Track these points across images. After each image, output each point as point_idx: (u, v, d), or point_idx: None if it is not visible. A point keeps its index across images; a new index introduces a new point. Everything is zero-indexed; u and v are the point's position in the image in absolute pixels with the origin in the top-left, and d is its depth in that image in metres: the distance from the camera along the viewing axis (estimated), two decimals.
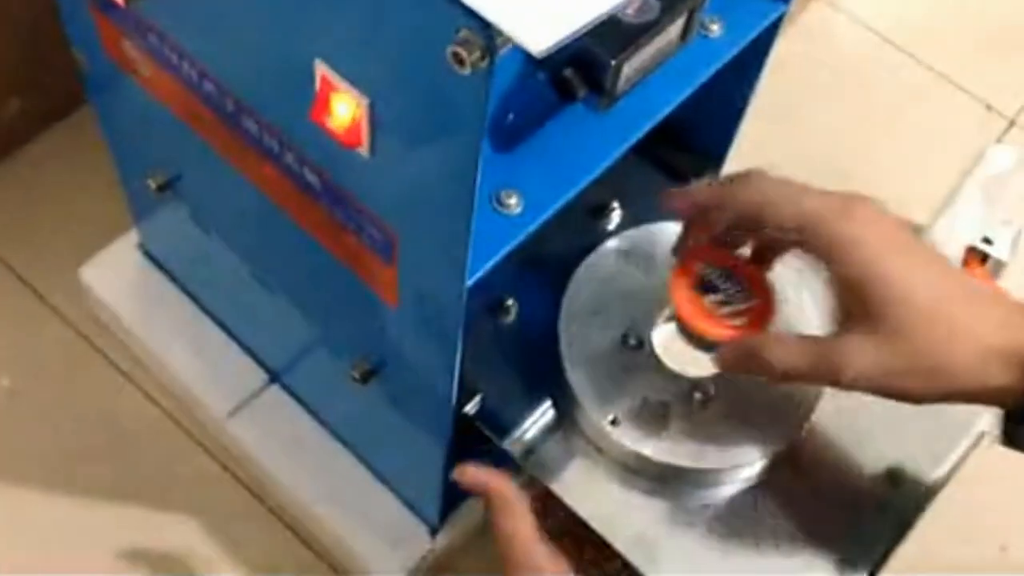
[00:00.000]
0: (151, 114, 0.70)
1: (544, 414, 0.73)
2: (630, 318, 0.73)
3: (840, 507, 0.70)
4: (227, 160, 0.66)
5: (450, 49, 0.42)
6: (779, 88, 1.17)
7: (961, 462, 0.74)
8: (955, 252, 1.00)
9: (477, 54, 0.41)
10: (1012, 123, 1.21)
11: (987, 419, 0.76)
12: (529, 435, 0.72)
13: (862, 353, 0.52)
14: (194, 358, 0.92)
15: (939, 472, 0.72)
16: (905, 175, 1.11)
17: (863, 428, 0.73)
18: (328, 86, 0.51)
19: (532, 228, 0.59)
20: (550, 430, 0.72)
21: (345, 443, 0.88)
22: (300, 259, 0.68)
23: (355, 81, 0.50)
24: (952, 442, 0.73)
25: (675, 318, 0.66)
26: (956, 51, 1.26)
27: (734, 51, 0.66)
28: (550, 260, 0.76)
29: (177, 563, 0.89)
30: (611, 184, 0.77)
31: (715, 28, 0.66)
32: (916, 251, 0.55)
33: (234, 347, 0.92)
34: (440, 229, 0.54)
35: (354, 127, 0.52)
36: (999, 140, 1.18)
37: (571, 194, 0.60)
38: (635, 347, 0.72)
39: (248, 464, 0.91)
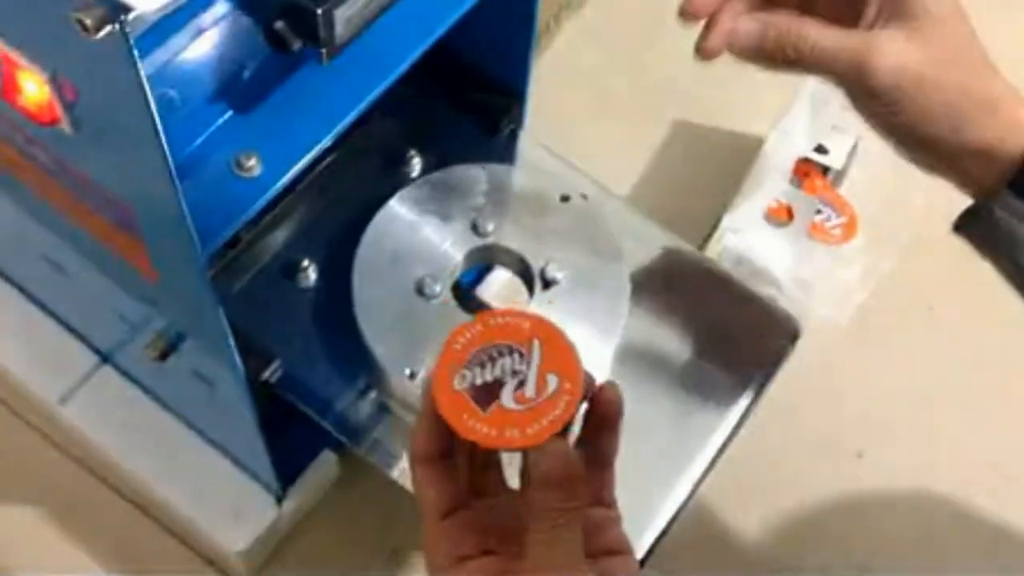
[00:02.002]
0: None
1: (354, 376, 0.72)
2: (426, 266, 0.72)
3: None
4: None
5: (73, 16, 0.39)
6: (626, 14, 1.17)
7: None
8: (789, 163, 0.99)
9: (100, 19, 0.39)
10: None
11: None
12: (338, 398, 0.71)
13: (897, 48, 0.51)
14: (23, 345, 0.90)
15: None
16: (741, 89, 1.09)
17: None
18: (11, 64, 0.49)
19: (273, 190, 0.57)
20: (359, 392, 0.72)
21: (180, 418, 0.86)
22: (69, 240, 0.66)
23: (31, 57, 0.47)
24: None
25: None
26: None
27: None
28: (350, 216, 0.75)
29: (26, 554, 0.87)
30: (410, 129, 0.76)
31: None
32: None
33: (63, 331, 0.90)
34: (160, 200, 0.52)
35: (47, 105, 0.50)
36: None
37: (313, 152, 0.58)
38: (431, 296, 0.71)
39: (88, 448, 0.89)
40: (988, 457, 0.94)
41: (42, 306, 0.89)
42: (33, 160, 0.59)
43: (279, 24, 0.53)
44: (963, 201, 0.57)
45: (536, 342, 0.46)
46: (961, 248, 0.58)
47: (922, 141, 0.54)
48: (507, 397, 0.45)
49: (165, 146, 0.46)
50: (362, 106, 0.59)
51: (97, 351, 0.88)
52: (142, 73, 0.42)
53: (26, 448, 0.90)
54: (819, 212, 1.00)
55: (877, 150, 1.01)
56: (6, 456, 0.90)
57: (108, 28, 0.39)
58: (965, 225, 0.56)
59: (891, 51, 0.51)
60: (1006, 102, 0.53)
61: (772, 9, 0.56)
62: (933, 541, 0.92)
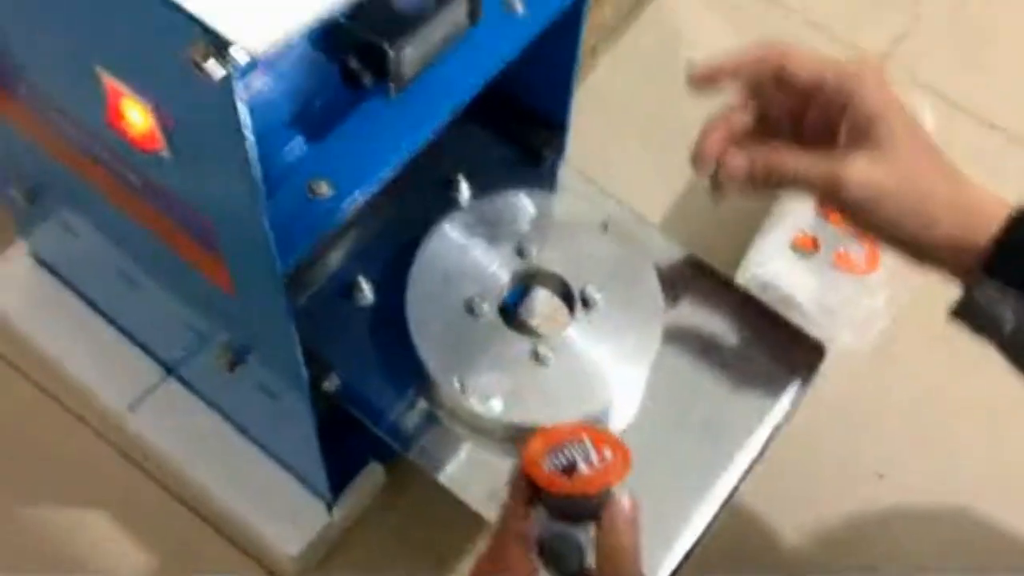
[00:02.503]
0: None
1: (405, 387, 0.77)
2: (474, 286, 0.77)
3: None
4: (68, 167, 0.70)
5: (188, 55, 0.45)
6: (660, 48, 1.23)
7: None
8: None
9: (212, 59, 0.45)
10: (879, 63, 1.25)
11: None
12: (391, 407, 0.77)
13: (863, 166, 0.59)
14: (93, 357, 0.95)
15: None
16: None
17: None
18: (116, 93, 0.55)
19: (343, 214, 0.63)
20: (410, 402, 0.77)
21: (239, 428, 0.92)
22: (149, 255, 0.72)
23: (139, 88, 0.53)
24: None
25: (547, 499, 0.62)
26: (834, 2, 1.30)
27: (537, 28, 0.70)
28: (403, 237, 0.80)
29: (91, 560, 0.93)
30: (458, 157, 0.82)
31: (518, 6, 0.70)
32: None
33: (129, 344, 0.96)
34: (246, 221, 0.58)
35: (150, 132, 0.56)
36: None
37: (380, 178, 0.64)
38: (479, 314, 0.76)
39: (152, 456, 0.95)
40: (1010, 480, 0.98)
41: (111, 320, 0.95)
42: (124, 181, 0.65)
43: (353, 62, 0.59)
44: None
45: (583, 434, 0.62)
46: None
47: (898, 241, 0.61)
48: (583, 467, 0.60)
49: (257, 173, 0.52)
50: (426, 137, 0.65)
51: (163, 363, 0.94)
52: (243, 108, 0.48)
53: (91, 454, 0.96)
54: (843, 243, 1.05)
55: None
56: (71, 462, 0.96)
57: (215, 65, 0.45)
58: (957, 312, 0.62)
59: (858, 170, 0.59)
60: (968, 198, 0.60)
61: (763, 140, 0.64)
62: (954, 558, 0.96)
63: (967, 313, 0.62)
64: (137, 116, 0.55)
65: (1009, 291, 0.59)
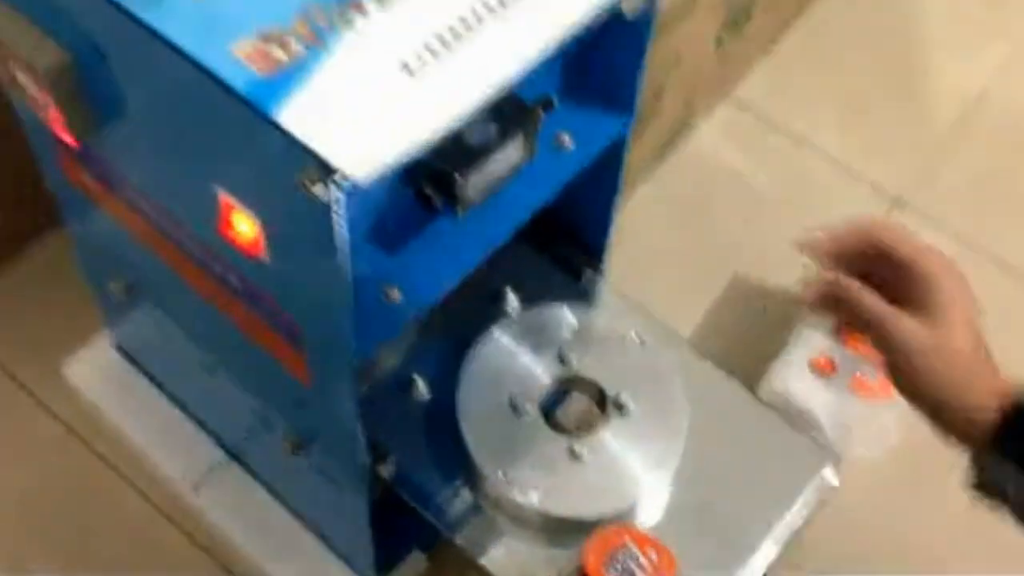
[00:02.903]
0: (109, 230, 0.83)
1: (454, 476, 0.85)
2: (519, 388, 0.86)
3: None
4: (170, 266, 0.80)
5: (299, 179, 0.55)
6: (693, 181, 1.33)
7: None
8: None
9: (320, 182, 0.55)
10: (897, 201, 1.35)
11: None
12: (440, 494, 0.84)
13: (912, 323, 0.68)
14: (161, 439, 1.04)
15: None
16: (793, 253, 1.24)
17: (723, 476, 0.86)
18: (229, 208, 0.64)
19: (411, 317, 0.72)
20: (457, 490, 0.85)
21: (292, 510, 1.00)
22: (235, 348, 0.81)
23: (248, 204, 0.63)
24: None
25: None
26: (853, 141, 1.40)
27: (585, 161, 0.80)
28: (455, 341, 0.89)
29: None
30: (507, 273, 0.91)
31: (567, 142, 0.80)
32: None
33: (197, 429, 1.04)
34: (331, 321, 0.67)
35: (255, 241, 0.65)
36: (887, 216, 1.32)
37: (445, 288, 0.73)
38: (523, 413, 0.84)
39: (211, 533, 1.03)
40: None
41: (183, 406, 1.04)
42: (222, 281, 0.74)
43: (428, 187, 0.69)
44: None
45: (626, 537, 0.75)
46: None
47: (920, 398, 0.68)
48: (638, 573, 0.75)
49: (348, 281, 0.61)
50: (486, 254, 0.74)
51: (226, 447, 1.03)
52: (342, 225, 0.58)
53: (153, 528, 1.04)
54: (859, 367, 1.13)
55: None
56: (135, 535, 1.04)
57: (322, 189, 0.55)
58: (968, 484, 0.69)
59: (908, 327, 0.67)
60: (984, 379, 0.68)
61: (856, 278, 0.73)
62: None
63: (976, 483, 0.69)
64: (245, 227, 0.65)
65: (1009, 464, 0.67)
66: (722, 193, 1.34)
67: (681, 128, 1.33)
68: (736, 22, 1.27)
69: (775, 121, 1.41)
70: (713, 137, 1.38)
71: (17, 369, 1.12)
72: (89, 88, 0.67)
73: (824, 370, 1.12)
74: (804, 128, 1.41)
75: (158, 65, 0.58)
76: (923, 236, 1.19)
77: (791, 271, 1.22)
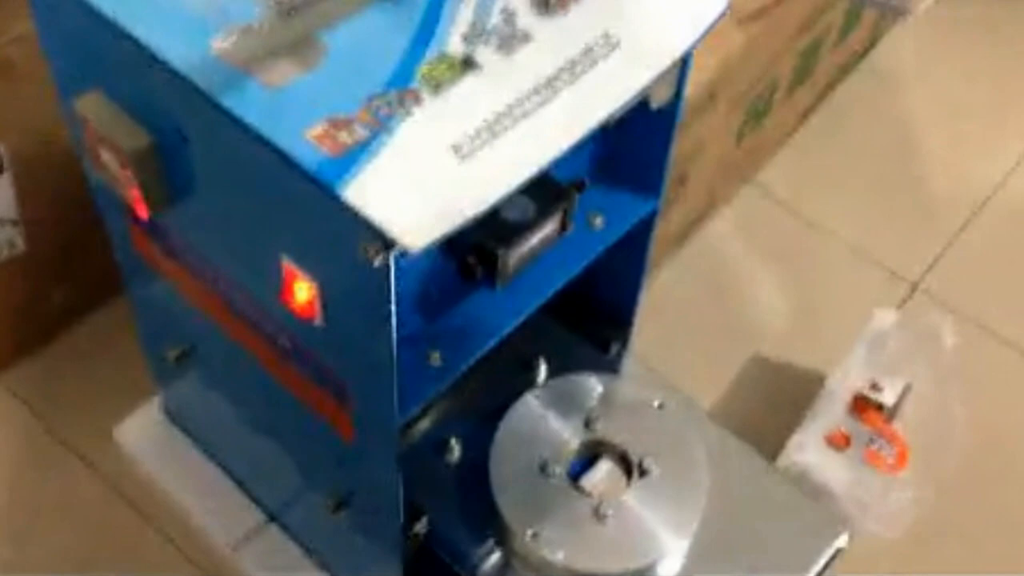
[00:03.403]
0: (170, 298, 0.90)
1: (485, 534, 0.90)
2: (548, 451, 0.91)
3: None
4: (225, 330, 0.86)
5: (360, 248, 0.61)
6: (716, 262, 1.39)
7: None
8: (848, 397, 1.18)
9: (379, 253, 0.61)
10: (915, 287, 1.40)
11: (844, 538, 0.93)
12: (472, 552, 0.89)
13: None
14: (204, 500, 1.10)
15: None
16: (811, 331, 1.31)
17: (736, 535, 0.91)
18: (292, 275, 0.71)
19: (450, 380, 0.78)
20: (489, 547, 0.90)
21: (328, 569, 1.05)
22: (283, 408, 0.87)
23: (309, 271, 0.70)
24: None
25: None
26: (868, 225, 1.46)
27: (613, 240, 0.86)
28: (488, 406, 0.95)
29: None
30: (538, 343, 0.97)
31: (598, 222, 0.86)
32: None
33: (238, 491, 1.10)
34: (377, 381, 0.73)
35: (310, 305, 0.71)
36: (904, 302, 1.38)
37: (481, 353, 0.79)
38: (551, 475, 0.90)
39: None
40: None
41: (226, 469, 1.10)
42: (275, 344, 0.80)
43: (470, 259, 0.75)
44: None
45: None
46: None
47: None
48: None
49: (395, 343, 0.68)
50: (520, 321, 0.80)
51: (266, 509, 1.08)
52: (393, 290, 0.64)
53: None
54: (874, 442, 1.18)
55: (928, 392, 1.21)
56: None
57: (381, 257, 0.61)
58: None
59: None
60: None
61: None
62: None
63: None
64: (303, 292, 0.71)
65: None
66: (744, 274, 1.40)
67: (705, 211, 1.40)
68: (757, 115, 1.34)
69: (794, 206, 1.48)
70: (735, 220, 1.44)
71: (68, 432, 1.18)
72: (168, 167, 0.74)
73: (839, 444, 1.17)
74: (822, 214, 1.47)
75: (236, 146, 0.65)
76: (938, 320, 1.25)
77: (809, 351, 1.28)
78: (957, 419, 1.20)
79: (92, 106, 0.73)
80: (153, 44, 0.66)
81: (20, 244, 1.11)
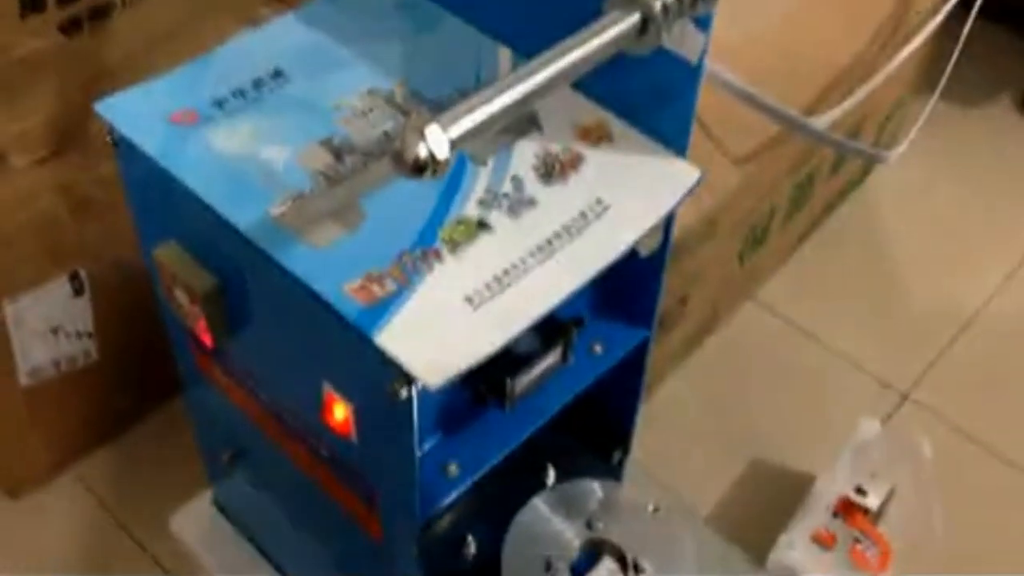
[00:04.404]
0: (225, 409, 1.03)
1: None
2: (553, 550, 1.03)
3: None
4: (272, 439, 0.99)
5: (389, 386, 0.75)
6: (717, 372, 1.51)
7: None
8: (833, 499, 1.29)
9: (404, 388, 0.74)
10: (906, 397, 1.51)
11: None
12: None
13: None
14: None
15: None
16: (803, 436, 1.43)
17: None
18: (331, 398, 0.84)
19: (465, 488, 0.90)
20: None
21: None
22: (320, 506, 0.99)
23: (346, 396, 0.83)
24: None
25: None
26: (863, 338, 1.58)
27: (610, 365, 0.99)
28: (503, 507, 1.07)
29: None
30: (548, 452, 1.09)
31: (598, 349, 0.99)
32: None
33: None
34: (401, 489, 0.85)
35: (346, 423, 0.85)
36: (895, 412, 1.49)
37: (493, 465, 0.92)
38: (555, 572, 1.01)
39: None
40: None
41: (268, 556, 1.22)
42: (315, 453, 0.93)
43: (481, 386, 0.89)
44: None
45: None
46: None
47: None
48: None
49: (417, 458, 0.80)
50: (526, 438, 0.93)
51: None
52: (416, 417, 0.77)
53: None
54: (860, 542, 1.28)
55: (910, 498, 1.31)
56: None
57: (405, 391, 0.74)
58: None
59: None
60: None
61: None
62: None
63: None
64: (340, 413, 0.84)
65: None
66: (744, 384, 1.52)
67: (708, 325, 1.52)
68: (756, 240, 1.47)
69: (793, 320, 1.60)
70: (736, 334, 1.57)
71: (129, 520, 1.31)
72: (230, 305, 0.88)
73: (825, 543, 1.27)
74: (819, 327, 1.59)
75: (288, 294, 0.79)
76: (918, 432, 1.36)
77: (804, 456, 1.40)
78: (937, 525, 1.30)
79: (169, 254, 0.88)
80: (223, 210, 0.80)
81: (94, 354, 1.25)
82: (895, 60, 1.43)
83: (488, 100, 0.66)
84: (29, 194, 1.13)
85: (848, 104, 1.34)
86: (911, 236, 1.75)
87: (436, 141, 0.62)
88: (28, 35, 1.08)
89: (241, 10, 1.36)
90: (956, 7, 1.49)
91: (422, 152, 0.62)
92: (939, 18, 1.50)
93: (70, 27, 1.10)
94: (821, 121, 1.28)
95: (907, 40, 1.46)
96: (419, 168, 0.62)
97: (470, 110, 0.65)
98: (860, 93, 1.38)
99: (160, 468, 1.34)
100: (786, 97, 1.27)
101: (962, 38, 1.51)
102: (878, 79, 1.40)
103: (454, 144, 0.63)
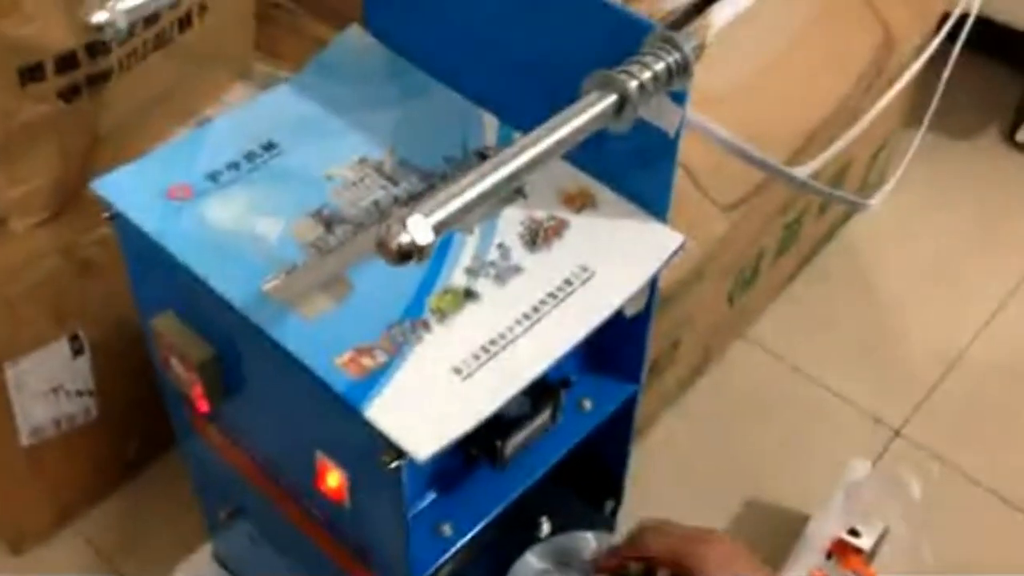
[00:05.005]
0: (222, 469, 1.05)
1: None
2: None
3: None
4: (269, 500, 1.01)
5: (379, 457, 0.77)
6: (710, 411, 1.53)
7: None
8: (826, 542, 1.30)
9: (394, 459, 0.76)
10: (897, 433, 1.53)
11: None
12: None
13: None
14: None
15: None
16: (797, 479, 1.44)
17: None
18: (324, 466, 0.86)
19: (459, 547, 0.92)
20: None
21: None
22: (317, 565, 1.01)
23: (339, 464, 0.85)
24: None
25: None
26: (853, 375, 1.60)
27: (600, 420, 1.01)
28: (496, 561, 1.09)
29: None
30: (540, 504, 1.11)
31: (587, 405, 1.01)
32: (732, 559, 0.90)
33: None
34: (394, 551, 0.87)
35: (339, 490, 0.87)
36: (887, 448, 1.51)
37: (485, 523, 0.93)
38: None
39: None
40: None
41: None
42: (310, 515, 0.95)
43: (473, 449, 0.90)
44: None
45: None
46: None
47: None
48: None
49: (408, 523, 0.82)
50: (518, 495, 0.95)
51: None
52: (406, 485, 0.79)
53: None
54: None
55: (903, 535, 1.33)
56: None
57: (395, 463, 0.76)
58: None
59: None
60: None
61: None
62: None
63: None
64: (333, 480, 0.86)
65: None
66: (737, 422, 1.54)
67: (700, 366, 1.54)
68: (745, 282, 1.49)
69: (784, 357, 1.62)
70: (728, 373, 1.59)
71: (131, 573, 1.33)
72: (225, 374, 0.90)
73: None
74: (810, 364, 1.61)
75: (280, 365, 0.81)
76: (922, 466, 1.38)
77: (798, 494, 1.41)
78: (928, 561, 1.32)
79: (166, 324, 0.90)
80: (217, 285, 0.82)
81: (93, 411, 1.27)
82: (881, 102, 1.45)
83: (470, 185, 0.68)
84: (30, 257, 1.15)
85: (834, 150, 1.36)
86: (900, 272, 1.77)
87: (418, 229, 0.64)
88: (29, 101, 1.10)
89: (235, 67, 1.39)
90: (941, 39, 1.51)
91: (405, 240, 0.64)
92: (923, 59, 1.52)
93: (69, 93, 1.12)
94: (806, 169, 1.30)
95: (892, 82, 1.48)
96: (403, 256, 0.64)
97: (452, 196, 0.67)
98: (848, 136, 1.40)
99: (161, 520, 1.36)
100: (774, 143, 1.29)
101: (947, 70, 1.53)
102: (864, 122, 1.42)
103: (437, 230, 0.65)
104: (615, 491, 1.15)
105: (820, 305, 1.70)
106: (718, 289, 1.44)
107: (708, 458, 1.49)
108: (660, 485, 1.40)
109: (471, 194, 0.68)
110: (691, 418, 1.52)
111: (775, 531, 1.39)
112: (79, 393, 1.24)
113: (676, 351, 1.40)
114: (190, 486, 1.20)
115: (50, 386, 1.20)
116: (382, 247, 0.65)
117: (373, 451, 0.77)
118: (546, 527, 1.11)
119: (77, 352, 1.21)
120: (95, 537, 1.35)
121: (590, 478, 1.15)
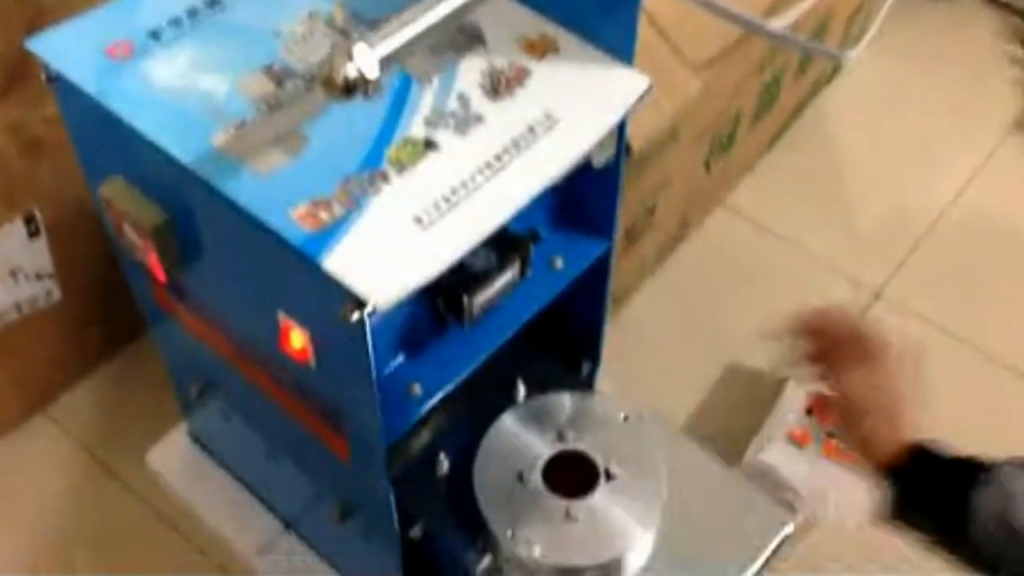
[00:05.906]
0: (189, 342, 1.03)
1: (472, 537, 1.03)
2: (525, 462, 1.04)
3: None
4: (237, 369, 0.99)
5: (340, 308, 0.74)
6: (689, 280, 1.51)
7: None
8: (805, 399, 1.30)
9: (355, 310, 0.74)
10: (877, 296, 1.52)
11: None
12: (463, 554, 1.02)
13: (852, 371, 0.84)
14: (229, 514, 1.24)
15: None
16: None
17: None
18: (287, 326, 0.84)
19: (429, 406, 0.91)
20: (478, 551, 1.02)
21: (339, 570, 1.18)
22: (290, 432, 1.00)
23: (301, 323, 0.83)
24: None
25: None
26: (833, 239, 1.58)
27: (572, 278, 0.99)
28: (474, 424, 1.07)
29: None
30: (517, 366, 1.10)
31: (559, 263, 0.99)
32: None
33: (257, 504, 1.23)
34: (364, 412, 0.86)
35: (304, 351, 0.85)
36: (867, 308, 1.50)
37: (455, 383, 0.92)
38: (527, 482, 1.02)
39: None
40: None
41: (247, 484, 1.23)
42: (279, 380, 0.94)
43: (439, 303, 0.88)
44: (956, 429, 0.86)
45: None
46: None
47: (850, 430, 0.84)
48: None
49: (374, 381, 0.81)
50: (488, 355, 0.93)
51: (284, 519, 1.22)
52: (369, 339, 0.77)
53: None
54: (833, 436, 1.29)
55: None
56: None
57: (357, 314, 0.74)
58: (883, 514, 0.84)
59: (849, 376, 0.84)
60: (900, 428, 0.82)
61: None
62: None
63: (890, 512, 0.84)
64: (297, 341, 0.84)
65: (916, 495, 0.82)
66: (716, 290, 1.52)
67: (679, 234, 1.52)
68: (722, 147, 1.46)
69: (763, 224, 1.60)
70: (707, 241, 1.57)
71: (107, 457, 1.32)
72: (180, 238, 0.87)
73: (800, 441, 1.29)
74: (789, 230, 1.59)
75: (235, 223, 0.78)
76: (903, 326, 1.37)
77: (777, 360, 1.40)
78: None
79: (114, 189, 0.87)
80: (165, 144, 0.79)
81: (56, 293, 1.25)
82: None
83: (418, 14, 0.64)
84: None
85: (809, 2, 1.32)
86: (879, 135, 1.74)
87: (365, 60, 0.61)
88: None
89: None
90: None
91: (351, 72, 0.61)
92: None
93: None
94: (781, 21, 1.26)
95: None
96: (349, 88, 0.61)
97: (400, 25, 0.64)
98: None
99: (134, 405, 1.35)
100: None
101: None
102: None
103: (383, 64, 0.62)
104: (592, 353, 1.14)
105: (799, 173, 1.67)
106: (694, 153, 1.41)
107: (688, 326, 1.47)
108: (641, 353, 1.38)
109: (420, 26, 0.65)
110: (670, 287, 1.51)
111: (755, 394, 1.38)
112: (39, 276, 1.21)
113: (652, 217, 1.37)
114: (162, 369, 1.19)
115: (7, 268, 1.17)
116: (327, 82, 0.62)
117: (333, 304, 0.75)
118: (522, 388, 1.10)
119: (33, 234, 1.18)
120: (68, 423, 1.34)
121: (567, 342, 1.14)
